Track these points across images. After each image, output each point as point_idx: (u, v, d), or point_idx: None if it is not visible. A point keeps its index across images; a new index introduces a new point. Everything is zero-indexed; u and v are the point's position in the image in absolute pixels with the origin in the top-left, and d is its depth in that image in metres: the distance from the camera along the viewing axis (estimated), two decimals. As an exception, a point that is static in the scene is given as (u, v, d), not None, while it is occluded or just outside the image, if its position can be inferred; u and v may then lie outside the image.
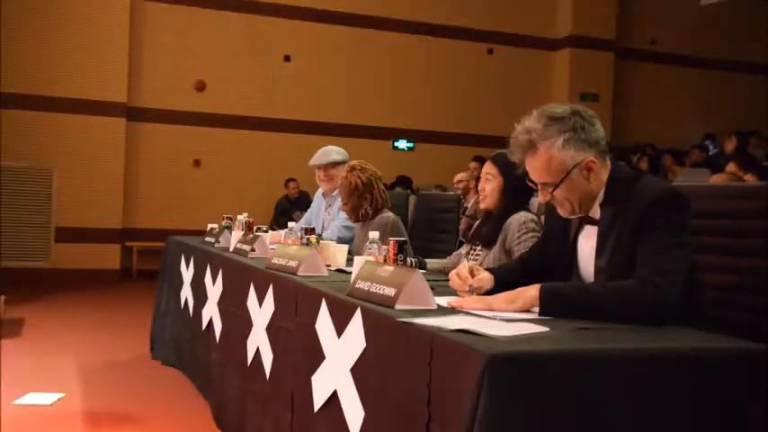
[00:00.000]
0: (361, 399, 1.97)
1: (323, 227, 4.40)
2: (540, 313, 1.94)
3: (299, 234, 3.22)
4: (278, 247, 3.18)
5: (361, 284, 2.15)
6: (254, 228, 3.91)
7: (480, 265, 2.76)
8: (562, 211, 2.20)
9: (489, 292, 2.17)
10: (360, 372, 2.00)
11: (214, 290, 3.72)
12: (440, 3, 11.27)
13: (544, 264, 2.35)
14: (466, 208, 4.53)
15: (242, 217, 4.06)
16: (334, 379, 2.14)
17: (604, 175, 2.13)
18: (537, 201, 2.89)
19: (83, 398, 3.93)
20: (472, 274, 2.23)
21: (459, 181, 7.10)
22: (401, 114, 11.21)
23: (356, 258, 2.56)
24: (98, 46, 9.52)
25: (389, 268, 2.12)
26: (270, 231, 4.14)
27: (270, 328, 2.82)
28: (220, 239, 4.23)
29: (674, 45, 12.51)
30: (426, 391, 1.64)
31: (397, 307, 1.95)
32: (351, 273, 2.46)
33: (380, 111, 11.08)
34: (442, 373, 1.61)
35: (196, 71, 10.20)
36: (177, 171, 10.12)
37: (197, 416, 3.67)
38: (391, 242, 2.25)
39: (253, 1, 10.44)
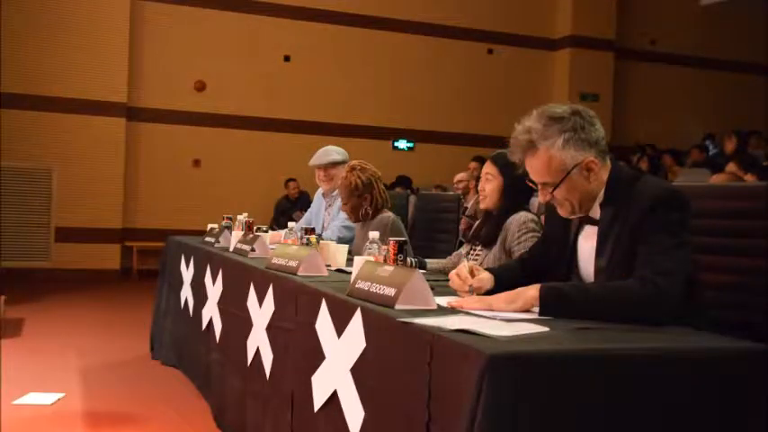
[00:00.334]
0: (361, 399, 1.97)
1: (323, 227, 4.40)
2: (540, 313, 1.94)
3: (298, 234, 3.22)
4: (278, 247, 3.18)
5: (361, 284, 2.15)
6: (254, 228, 3.91)
7: (480, 265, 2.76)
8: (562, 211, 2.20)
9: (489, 292, 2.17)
10: (360, 372, 2.00)
11: (214, 290, 3.72)
12: (440, 3, 11.27)
13: (544, 264, 2.35)
14: (466, 208, 4.53)
15: (242, 217, 4.06)
16: (334, 379, 2.14)
17: (604, 175, 2.13)
18: (537, 201, 2.89)
19: (83, 398, 3.93)
20: (472, 274, 2.23)
21: (459, 181, 7.10)
22: (401, 114, 11.21)
23: (356, 258, 2.56)
24: (98, 46, 9.52)
25: (389, 268, 2.12)
26: (270, 231, 4.14)
27: (270, 328, 2.82)
28: (220, 239, 4.23)
29: (674, 45, 12.51)
30: (426, 391, 1.64)
31: (397, 307, 1.95)
32: (351, 273, 2.46)
33: (380, 111, 11.08)
34: (441, 373, 1.61)
35: (196, 71, 10.21)
36: (177, 171, 10.13)
37: (197, 416, 3.67)
38: (391, 242, 2.25)
39: (253, 1, 10.44)
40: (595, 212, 2.16)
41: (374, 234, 2.56)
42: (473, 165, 7.79)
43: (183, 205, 9.92)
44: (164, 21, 10.01)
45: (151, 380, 4.44)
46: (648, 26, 12.46)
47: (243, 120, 10.41)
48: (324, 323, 2.26)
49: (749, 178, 5.26)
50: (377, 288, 2.06)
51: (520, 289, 2.01)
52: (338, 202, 4.17)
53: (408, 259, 2.74)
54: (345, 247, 3.27)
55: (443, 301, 2.10)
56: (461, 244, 3.55)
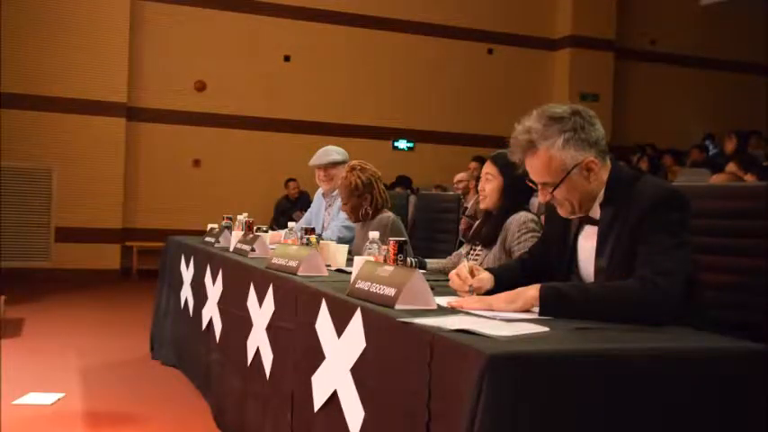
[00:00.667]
0: (361, 399, 1.97)
1: (323, 227, 4.40)
2: (540, 313, 1.94)
3: (299, 234, 3.22)
4: (278, 247, 3.18)
5: (361, 284, 2.15)
6: (254, 228, 3.91)
7: (480, 265, 2.76)
8: (562, 211, 2.20)
9: (489, 292, 2.17)
10: (360, 372, 2.00)
11: (214, 290, 3.72)
12: (440, 3, 11.27)
13: (544, 264, 2.35)
14: (466, 208, 4.53)
15: (242, 217, 4.06)
16: (334, 379, 2.14)
17: (604, 175, 2.13)
18: (537, 201, 2.89)
19: (83, 398, 3.93)
20: (472, 274, 2.23)
21: (459, 181, 7.10)
22: (401, 114, 11.22)
23: (356, 258, 2.56)
24: (98, 46, 9.52)
25: (389, 268, 2.12)
26: (270, 231, 4.14)
27: (270, 328, 2.82)
28: (220, 239, 4.23)
29: (674, 45, 12.51)
30: (426, 391, 1.64)
31: (397, 307, 1.95)
32: (351, 273, 2.46)
33: (380, 111, 11.08)
34: (441, 373, 1.61)
35: (196, 71, 10.21)
36: (177, 171, 10.13)
37: (197, 416, 3.67)
38: (391, 242, 2.25)
39: (253, 1, 10.44)
40: (595, 212, 2.16)
41: (374, 234, 2.56)
42: (473, 165, 7.79)
43: (183, 205, 9.92)
44: (164, 21, 10.01)
45: (151, 380, 4.44)
46: (648, 26, 12.46)
47: (243, 120, 10.42)
48: (324, 323, 2.26)
49: (749, 178, 5.26)
50: (377, 288, 2.06)
51: (520, 289, 2.01)
52: (338, 202, 4.17)
53: (408, 259, 2.74)
54: (345, 247, 3.27)
55: (443, 301, 2.10)
56: (461, 244, 3.55)
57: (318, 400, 2.24)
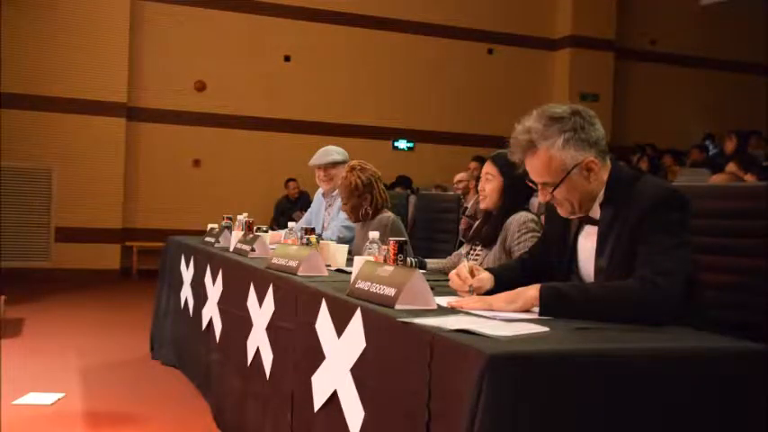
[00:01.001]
0: (361, 399, 1.97)
1: (323, 227, 4.40)
2: (540, 313, 1.94)
3: (299, 234, 3.22)
4: (278, 247, 3.18)
5: (362, 284, 2.15)
6: (254, 228, 3.91)
7: (480, 265, 2.76)
8: (562, 211, 2.20)
9: (489, 292, 2.17)
10: (360, 372, 2.00)
11: (214, 290, 3.72)
12: (440, 3, 11.27)
13: (544, 264, 2.35)
14: (466, 208, 4.53)
15: (242, 217, 4.06)
16: (334, 379, 2.14)
17: (604, 175, 2.13)
18: (537, 201, 2.89)
19: (83, 398, 3.93)
20: (472, 274, 2.23)
21: (459, 181, 7.10)
22: (401, 114, 11.21)
23: (356, 258, 2.56)
24: (98, 46, 9.52)
25: (389, 268, 2.12)
26: (270, 231, 4.14)
27: (270, 328, 2.82)
28: (220, 239, 4.23)
29: (674, 45, 12.51)
30: (426, 391, 1.64)
31: (397, 307, 1.95)
32: (351, 273, 2.46)
33: (380, 111, 11.08)
34: (441, 373, 1.61)
35: (196, 71, 10.21)
36: (177, 171, 10.12)
37: (197, 416, 3.67)
38: (391, 242, 2.25)
39: (253, 1, 10.44)
40: (595, 212, 2.16)
41: (374, 234, 2.56)
42: (473, 165, 7.79)
43: (183, 205, 9.92)
44: (164, 21, 10.01)
45: (151, 380, 4.44)
46: (648, 26, 12.45)
47: (243, 120, 10.41)
48: (324, 323, 2.26)
49: (749, 178, 5.26)
50: (377, 288, 2.06)
51: (520, 289, 2.01)
52: (338, 202, 4.17)
53: (408, 259, 2.74)
54: (345, 247, 3.27)
55: (443, 301, 2.10)
56: (461, 244, 3.55)
57: (318, 400, 2.24)
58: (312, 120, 10.61)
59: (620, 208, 2.07)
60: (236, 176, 10.30)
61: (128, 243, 9.75)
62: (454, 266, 2.45)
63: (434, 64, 11.32)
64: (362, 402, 1.95)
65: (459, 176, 7.19)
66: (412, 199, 6.11)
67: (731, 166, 5.68)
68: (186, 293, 4.37)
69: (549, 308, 1.94)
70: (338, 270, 3.04)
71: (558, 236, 2.30)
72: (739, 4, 11.89)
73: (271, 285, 2.84)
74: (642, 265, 1.96)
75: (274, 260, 3.00)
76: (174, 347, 4.67)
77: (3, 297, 5.79)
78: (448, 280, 2.33)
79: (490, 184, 3.05)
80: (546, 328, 1.75)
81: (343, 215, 4.12)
